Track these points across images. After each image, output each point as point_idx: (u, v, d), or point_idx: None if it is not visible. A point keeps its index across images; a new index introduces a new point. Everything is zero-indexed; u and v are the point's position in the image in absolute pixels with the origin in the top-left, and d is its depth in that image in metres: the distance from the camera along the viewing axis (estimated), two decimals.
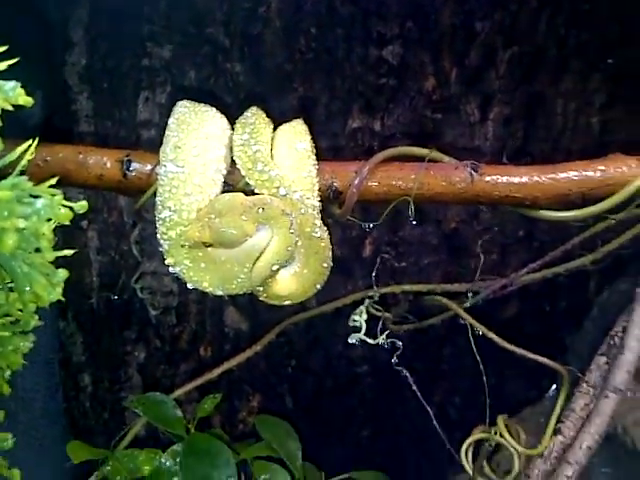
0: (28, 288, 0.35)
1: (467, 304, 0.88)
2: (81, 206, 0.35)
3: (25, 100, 0.30)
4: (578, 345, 0.91)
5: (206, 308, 1.01)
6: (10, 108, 0.30)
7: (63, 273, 0.37)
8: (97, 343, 1.01)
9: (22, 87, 0.33)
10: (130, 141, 0.93)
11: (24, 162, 0.33)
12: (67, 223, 0.37)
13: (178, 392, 0.81)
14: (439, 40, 0.87)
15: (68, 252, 0.36)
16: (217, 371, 0.84)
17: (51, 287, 0.35)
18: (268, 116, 0.70)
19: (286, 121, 0.70)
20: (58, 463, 0.96)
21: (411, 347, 0.98)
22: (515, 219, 0.95)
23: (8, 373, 0.39)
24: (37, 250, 0.36)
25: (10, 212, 0.29)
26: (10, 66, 0.33)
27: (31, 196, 0.33)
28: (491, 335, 0.80)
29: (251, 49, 0.89)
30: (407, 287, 0.92)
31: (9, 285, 0.37)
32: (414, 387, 0.75)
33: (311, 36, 0.87)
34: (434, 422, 0.77)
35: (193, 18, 0.89)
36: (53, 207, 0.31)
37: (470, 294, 0.89)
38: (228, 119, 0.69)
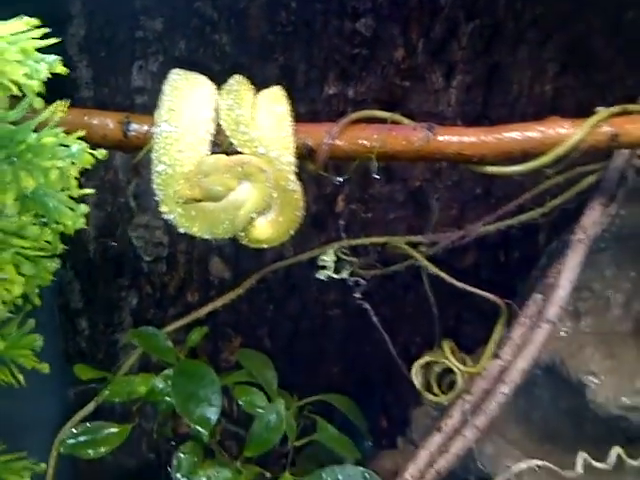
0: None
1: (428, 253, 0.95)
2: (101, 154, 0.44)
3: (62, 70, 0.38)
4: (524, 289, 1.00)
5: (193, 258, 1.07)
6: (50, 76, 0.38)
7: (84, 207, 0.46)
8: (93, 290, 1.07)
9: None
10: (125, 105, 0.99)
11: (57, 118, 0.41)
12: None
13: (168, 328, 0.90)
14: (407, 14, 0.92)
15: (90, 191, 0.45)
16: (203, 311, 0.92)
17: (76, 218, 0.44)
18: (251, 83, 0.77)
19: (267, 87, 0.77)
20: (60, 397, 1.06)
21: (379, 293, 1.07)
22: (473, 178, 1.01)
23: (37, 290, 0.48)
24: (62, 190, 0.45)
25: (53, 155, 0.38)
26: None
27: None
28: (443, 275, 0.88)
29: (236, 22, 0.94)
30: (375, 239, 0.98)
31: (43, 220, 0.46)
32: (374, 319, 0.83)
33: (291, 10, 0.92)
34: (392, 349, 0.85)
35: None
36: (83, 153, 0.40)
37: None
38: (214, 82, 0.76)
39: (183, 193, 0.68)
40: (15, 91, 0.38)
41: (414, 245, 0.97)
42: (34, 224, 0.45)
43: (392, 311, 1.08)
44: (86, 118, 0.72)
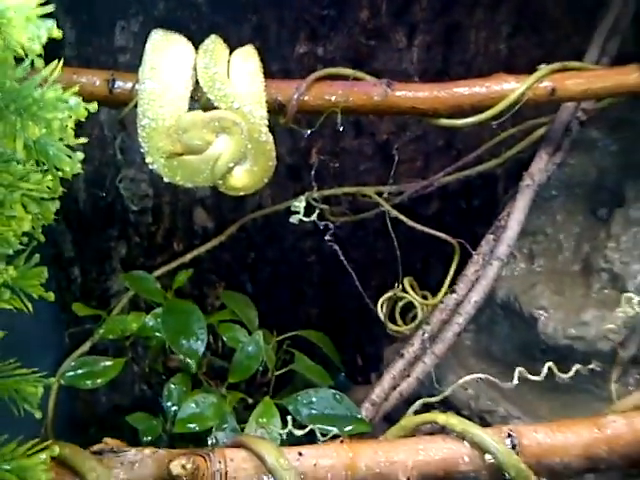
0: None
1: (394, 202, 1.00)
2: (93, 107, 0.51)
3: (57, 35, 0.45)
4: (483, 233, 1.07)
5: (177, 209, 1.12)
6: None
7: (80, 155, 0.53)
8: (84, 240, 1.12)
9: None
10: (108, 64, 1.02)
11: (55, 75, 0.48)
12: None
13: (157, 272, 0.97)
14: None
15: (84, 140, 0.52)
16: (188, 256, 1.00)
17: (73, 164, 0.51)
18: (226, 42, 0.82)
19: (241, 46, 0.83)
20: (56, 340, 1.13)
21: (351, 240, 1.13)
22: (436, 131, 1.07)
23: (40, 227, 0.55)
24: (60, 139, 0.52)
25: (54, 108, 0.45)
26: None
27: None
28: (404, 219, 0.96)
29: None
30: (346, 189, 1.04)
31: (45, 167, 0.52)
32: (344, 260, 0.90)
33: None
34: (361, 289, 0.92)
35: None
36: (79, 106, 0.47)
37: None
38: (193, 44, 0.81)
39: (166, 148, 0.75)
40: (20, 53, 0.44)
41: (382, 194, 1.02)
42: (36, 171, 0.52)
43: (364, 256, 1.14)
44: (75, 76, 0.78)
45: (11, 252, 0.49)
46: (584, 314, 0.93)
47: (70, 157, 0.52)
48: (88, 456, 0.58)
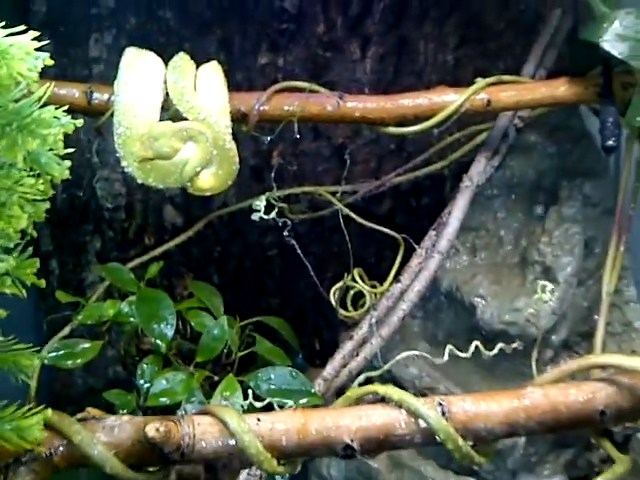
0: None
1: (349, 200, 1.08)
2: (80, 123, 0.59)
3: (49, 63, 0.54)
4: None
5: (149, 207, 1.18)
6: None
7: (67, 163, 0.61)
8: (62, 235, 1.18)
9: None
10: (84, 74, 1.09)
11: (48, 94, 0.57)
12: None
13: (130, 264, 1.04)
14: None
15: (71, 150, 0.61)
16: (159, 250, 1.07)
17: (62, 170, 0.60)
18: (192, 55, 0.89)
19: (206, 60, 0.90)
20: (35, 327, 1.19)
21: (310, 236, 1.19)
22: (388, 136, 1.07)
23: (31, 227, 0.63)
24: (50, 149, 0.60)
25: (49, 125, 0.53)
26: None
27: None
28: (354, 216, 1.04)
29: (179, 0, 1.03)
30: (305, 189, 1.11)
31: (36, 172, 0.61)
32: (300, 252, 0.97)
33: None
34: (315, 279, 1.00)
35: None
36: (69, 123, 0.55)
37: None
38: (162, 57, 0.88)
39: (139, 154, 0.83)
40: (20, 80, 0.53)
41: (336, 193, 1.09)
42: (29, 176, 0.60)
43: (321, 250, 1.20)
44: (56, 89, 0.86)
45: (12, 245, 0.57)
46: (517, 302, 1.01)
47: (59, 164, 0.60)
48: (73, 421, 0.66)
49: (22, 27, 0.54)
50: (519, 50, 1.15)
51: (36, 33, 0.52)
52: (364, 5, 1.05)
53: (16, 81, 0.53)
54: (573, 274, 1.01)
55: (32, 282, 0.63)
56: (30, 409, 0.61)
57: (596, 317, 1.02)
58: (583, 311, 1.06)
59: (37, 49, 0.53)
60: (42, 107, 0.56)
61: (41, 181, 0.61)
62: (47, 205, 0.63)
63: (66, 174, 0.61)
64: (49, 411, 0.61)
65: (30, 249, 0.63)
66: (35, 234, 0.63)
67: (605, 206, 1.06)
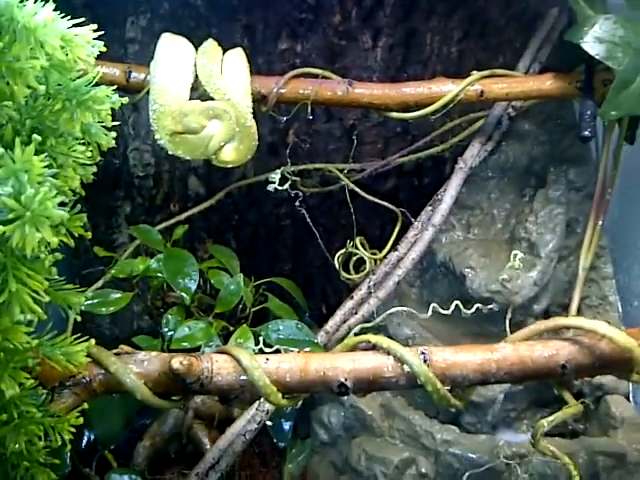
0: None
1: (357, 177, 1.18)
2: (125, 100, 0.71)
3: (102, 49, 0.65)
4: None
5: (175, 176, 1.25)
6: None
7: (113, 133, 0.72)
8: (96, 198, 1.25)
9: None
10: (120, 53, 1.15)
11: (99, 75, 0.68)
12: None
13: (158, 227, 1.15)
14: None
15: (117, 123, 0.72)
16: (184, 215, 1.16)
17: (109, 139, 0.71)
18: (219, 39, 0.98)
19: (232, 45, 1.00)
20: (69, 281, 1.29)
21: (320, 208, 1.26)
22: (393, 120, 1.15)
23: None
24: (99, 122, 0.71)
25: (103, 101, 0.64)
26: None
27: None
28: (358, 190, 1.14)
29: None
30: (317, 165, 1.19)
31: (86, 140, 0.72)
32: (309, 221, 1.08)
33: None
34: (323, 247, 1.12)
35: None
36: (118, 100, 0.67)
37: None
38: (192, 41, 0.97)
39: (170, 128, 0.94)
40: (82, 65, 0.64)
41: (344, 170, 1.19)
42: (80, 143, 0.71)
43: (330, 222, 1.29)
44: (99, 67, 0.97)
45: (67, 200, 0.68)
46: (502, 273, 1.12)
47: (106, 135, 0.72)
48: (110, 354, 0.78)
49: (82, 19, 0.65)
50: (518, 45, 1.23)
51: (95, 26, 0.62)
52: None
53: (76, 64, 0.64)
54: (554, 250, 1.12)
55: (79, 233, 0.73)
56: (77, 338, 0.72)
57: None
58: (564, 284, 1.17)
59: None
60: (94, 85, 0.68)
61: (90, 148, 0.71)
62: (94, 169, 0.74)
63: (112, 143, 0.72)
64: (92, 341, 0.73)
65: (79, 206, 0.74)
66: (83, 193, 0.73)
67: (588, 191, 1.16)
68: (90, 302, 1.04)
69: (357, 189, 1.12)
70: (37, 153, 0.57)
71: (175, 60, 0.95)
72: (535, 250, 1.14)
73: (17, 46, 0.58)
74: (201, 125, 0.94)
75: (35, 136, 0.57)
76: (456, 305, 1.03)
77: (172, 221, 1.17)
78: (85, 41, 0.62)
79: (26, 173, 0.55)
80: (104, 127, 0.72)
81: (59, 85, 0.66)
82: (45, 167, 0.56)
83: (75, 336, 0.72)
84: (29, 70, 0.58)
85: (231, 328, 1.08)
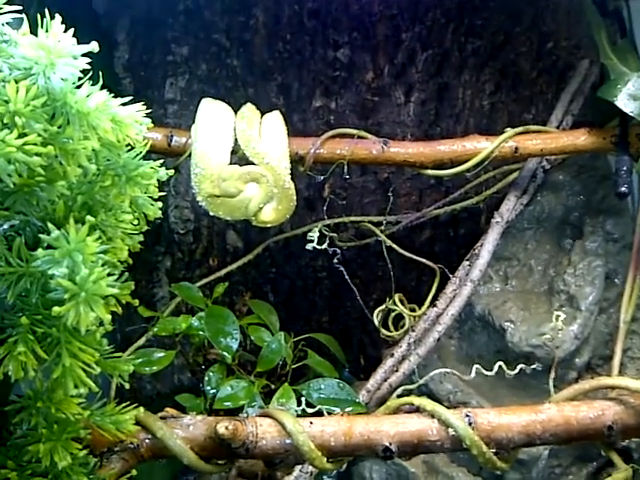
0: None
1: (392, 230, 1.17)
2: (171, 172, 0.72)
3: (150, 126, 0.67)
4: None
5: (214, 231, 1.27)
6: None
7: (159, 204, 0.74)
8: (136, 254, 1.25)
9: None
10: (159, 113, 1.20)
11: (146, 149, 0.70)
12: None
13: (198, 283, 1.16)
14: (376, 45, 1.11)
15: (163, 194, 0.74)
16: (223, 271, 1.17)
17: (155, 210, 0.73)
18: (255, 97, 1.02)
19: (268, 103, 1.04)
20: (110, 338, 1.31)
21: (357, 261, 1.27)
22: None
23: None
24: (145, 192, 0.73)
25: (150, 176, 0.66)
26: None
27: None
28: (394, 246, 1.14)
29: (245, 49, 1.14)
30: (352, 218, 1.20)
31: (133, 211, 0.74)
32: (347, 277, 1.09)
33: (287, 41, 1.12)
34: (360, 301, 1.12)
35: (203, 27, 1.14)
36: (165, 174, 0.69)
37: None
38: (229, 103, 1.00)
39: (209, 191, 0.96)
40: (132, 143, 0.66)
41: (382, 223, 1.18)
42: (127, 213, 0.73)
43: (366, 274, 1.29)
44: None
45: (117, 273, 0.70)
46: (543, 327, 1.10)
47: (153, 205, 0.73)
48: (157, 418, 0.79)
49: (130, 97, 0.67)
50: (550, 97, 1.25)
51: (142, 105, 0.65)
52: (408, 55, 1.14)
53: (125, 142, 0.66)
54: (594, 303, 1.11)
55: (127, 301, 0.75)
56: (125, 407, 0.74)
57: None
58: (604, 336, 1.15)
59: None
60: (142, 159, 0.70)
61: (136, 215, 0.73)
62: (141, 238, 0.75)
63: (158, 213, 0.73)
64: (141, 409, 0.74)
65: (126, 274, 0.75)
66: (131, 261, 0.75)
67: (625, 242, 1.15)
68: (134, 362, 1.05)
69: (393, 244, 1.13)
70: (89, 230, 0.59)
71: (216, 125, 0.97)
72: (575, 303, 1.12)
73: (70, 129, 0.60)
74: (238, 189, 0.96)
75: (89, 217, 0.59)
76: (500, 366, 1.02)
77: (212, 277, 1.19)
78: (134, 120, 0.64)
79: (80, 253, 0.57)
80: (151, 198, 0.73)
81: (108, 161, 0.68)
82: (97, 241, 0.58)
83: (124, 404, 0.74)
84: (81, 151, 0.60)
85: (272, 386, 1.08)
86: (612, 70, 0.96)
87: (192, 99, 1.18)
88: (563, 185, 1.20)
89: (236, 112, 1.00)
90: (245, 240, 1.28)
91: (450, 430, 0.80)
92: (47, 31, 0.57)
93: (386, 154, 1.01)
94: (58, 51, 0.56)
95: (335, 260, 1.08)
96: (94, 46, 0.58)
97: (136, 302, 0.75)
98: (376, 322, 1.15)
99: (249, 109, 1.00)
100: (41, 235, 0.57)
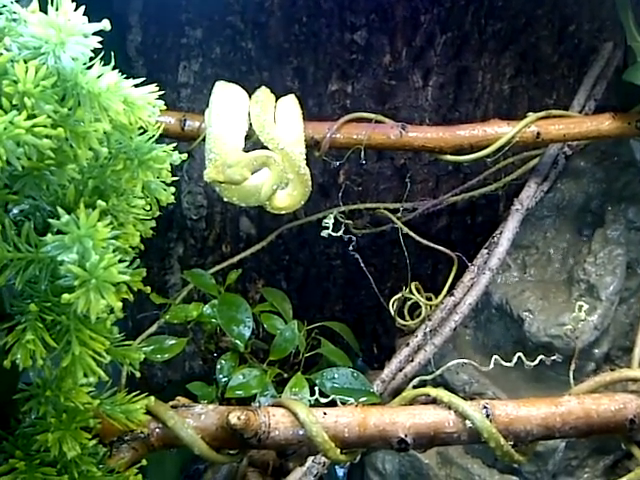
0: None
1: (408, 217, 1.16)
2: (184, 157, 0.71)
3: (162, 108, 0.65)
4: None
5: (226, 217, 1.26)
6: None
7: (172, 189, 0.72)
8: (149, 240, 1.27)
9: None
10: (173, 97, 1.18)
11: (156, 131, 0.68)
12: None
13: (211, 270, 1.15)
14: (394, 28, 1.09)
15: (176, 178, 0.72)
16: (236, 258, 1.16)
17: (168, 195, 0.71)
18: (270, 81, 0.99)
19: (283, 87, 1.01)
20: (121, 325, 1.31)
21: (372, 248, 1.26)
22: None
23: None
24: (158, 177, 0.71)
25: (162, 160, 0.65)
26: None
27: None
28: (411, 233, 1.12)
29: (259, 32, 1.11)
30: (368, 205, 1.18)
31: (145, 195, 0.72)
32: (362, 265, 1.08)
33: (303, 23, 1.09)
34: (375, 289, 1.11)
35: (218, 9, 1.11)
36: (178, 158, 0.67)
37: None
38: (244, 86, 0.97)
39: (213, 177, 0.92)
40: (144, 126, 0.64)
41: (398, 210, 1.17)
42: (140, 198, 0.72)
43: (381, 262, 1.28)
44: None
45: (128, 260, 0.68)
46: (562, 317, 1.08)
47: (165, 190, 0.72)
48: (168, 408, 0.78)
49: (143, 79, 0.65)
50: (572, 81, 1.23)
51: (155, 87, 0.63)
52: (427, 38, 1.12)
53: (138, 125, 0.64)
54: (615, 293, 1.08)
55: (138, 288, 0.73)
56: (135, 395, 0.72)
57: None
58: (625, 327, 1.13)
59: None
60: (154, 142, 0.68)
61: (149, 200, 0.71)
62: (153, 223, 0.73)
63: (171, 198, 0.71)
64: (152, 398, 0.73)
65: (137, 261, 0.74)
66: (143, 247, 0.74)
67: None
68: (145, 349, 1.04)
69: (410, 232, 1.11)
70: (100, 215, 0.57)
71: (230, 110, 0.95)
72: (595, 292, 1.10)
73: (81, 110, 0.58)
74: (243, 177, 0.93)
75: (100, 202, 0.57)
76: (519, 357, 1.00)
77: (224, 264, 1.18)
78: (146, 102, 0.62)
79: (91, 239, 0.55)
80: (164, 182, 0.72)
81: (120, 144, 0.66)
82: (108, 226, 0.56)
83: (134, 393, 0.72)
84: (92, 133, 0.59)
85: (285, 375, 1.07)
86: (639, 52, 0.93)
87: (206, 83, 1.16)
88: (584, 172, 1.18)
89: (250, 96, 0.98)
90: (258, 227, 1.27)
91: (467, 422, 0.79)
92: (57, 9, 0.55)
93: (404, 139, 0.99)
94: (69, 29, 0.54)
95: (350, 247, 1.06)
96: (106, 24, 0.56)
97: (148, 289, 0.73)
98: (392, 311, 1.13)
99: (263, 93, 0.98)
100: (51, 220, 0.55)
